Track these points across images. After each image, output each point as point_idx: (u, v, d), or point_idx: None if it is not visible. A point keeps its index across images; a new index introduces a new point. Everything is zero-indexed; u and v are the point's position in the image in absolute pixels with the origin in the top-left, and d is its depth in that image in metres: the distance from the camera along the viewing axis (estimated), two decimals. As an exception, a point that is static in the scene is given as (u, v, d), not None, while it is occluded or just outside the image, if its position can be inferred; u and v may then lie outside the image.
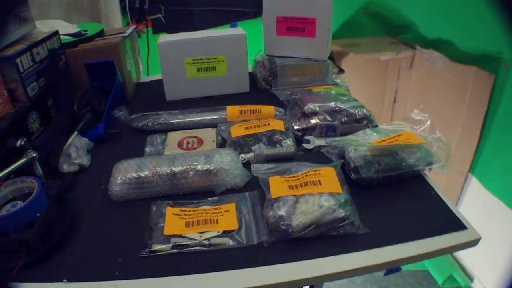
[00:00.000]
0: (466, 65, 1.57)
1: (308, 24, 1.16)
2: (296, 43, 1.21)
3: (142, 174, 0.80)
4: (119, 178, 0.80)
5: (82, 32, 1.20)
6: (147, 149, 0.94)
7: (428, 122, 0.91)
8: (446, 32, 1.69)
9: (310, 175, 0.78)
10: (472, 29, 1.60)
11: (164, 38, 1.15)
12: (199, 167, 0.81)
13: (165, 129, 1.03)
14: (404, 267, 1.99)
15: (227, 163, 0.81)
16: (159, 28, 1.83)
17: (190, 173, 0.80)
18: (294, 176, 0.78)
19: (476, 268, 1.85)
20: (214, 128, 1.00)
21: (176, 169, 0.80)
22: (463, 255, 1.91)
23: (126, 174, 0.80)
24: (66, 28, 1.21)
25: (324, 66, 1.20)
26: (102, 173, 0.87)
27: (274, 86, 1.20)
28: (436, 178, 0.95)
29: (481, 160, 1.65)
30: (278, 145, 0.91)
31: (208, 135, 0.98)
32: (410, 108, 1.90)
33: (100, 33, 1.23)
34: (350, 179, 0.81)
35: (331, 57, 1.88)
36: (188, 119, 1.03)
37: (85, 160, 0.92)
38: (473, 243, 0.72)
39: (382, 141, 0.87)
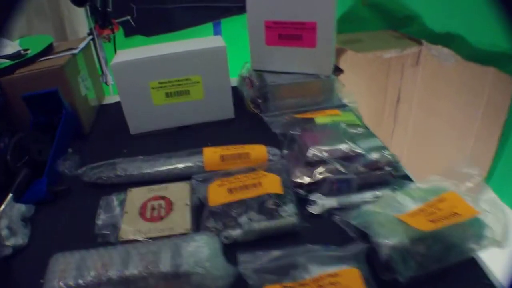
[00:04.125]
0: (482, 65, 1.27)
1: (306, 30, 0.85)
2: (291, 55, 0.90)
3: (82, 282, 0.51)
4: (55, 283, 0.51)
5: (22, 52, 0.87)
6: (99, 222, 0.64)
7: (479, 178, 0.62)
8: (457, 26, 1.38)
9: (324, 284, 0.49)
10: (487, 23, 1.28)
11: (120, 56, 0.83)
12: (162, 268, 0.51)
13: (125, 183, 0.73)
14: None
15: (202, 262, 0.52)
16: (131, 30, 1.51)
17: (151, 280, 0.51)
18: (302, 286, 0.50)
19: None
20: (188, 183, 0.70)
21: (130, 271, 0.51)
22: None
23: (62, 279, 0.52)
24: (1, 48, 0.88)
25: (328, 84, 0.89)
26: (43, 255, 0.58)
27: (264, 110, 0.90)
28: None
29: (498, 172, 1.37)
30: (275, 214, 0.62)
31: (180, 195, 0.68)
32: (416, 110, 1.60)
33: (47, 50, 0.91)
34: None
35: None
36: (154, 170, 0.73)
37: (20, 239, 0.64)
38: None
39: (420, 211, 0.59)
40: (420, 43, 1.48)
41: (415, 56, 1.51)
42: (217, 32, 1.77)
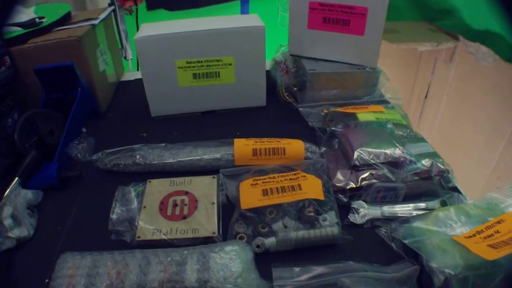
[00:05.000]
0: (522, 68, 1.15)
1: (355, 15, 0.74)
2: (334, 42, 0.79)
3: (92, 292, 0.43)
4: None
5: (37, 20, 0.77)
6: (113, 216, 0.56)
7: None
8: (497, 24, 1.25)
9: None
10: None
11: (146, 30, 0.73)
12: (187, 283, 0.43)
13: (145, 172, 0.65)
14: None
15: (233, 277, 0.44)
16: (154, 3, 1.39)
17: (172, 295, 0.43)
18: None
19: None
20: (214, 178, 0.62)
21: (149, 284, 0.43)
22: None
23: (70, 287, 0.44)
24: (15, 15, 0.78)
25: (373, 77, 0.79)
26: (50, 250, 0.53)
27: (300, 100, 0.80)
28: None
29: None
30: (314, 223, 0.53)
31: (206, 191, 0.59)
32: (444, 109, 1.49)
33: (64, 19, 0.81)
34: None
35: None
36: (177, 160, 0.64)
37: (25, 230, 0.56)
38: None
39: (476, 232, 0.50)
40: (456, 39, 1.36)
41: (450, 51, 1.39)
42: (244, 11, 1.66)
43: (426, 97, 1.53)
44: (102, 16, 0.83)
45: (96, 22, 0.79)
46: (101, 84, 0.83)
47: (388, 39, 1.33)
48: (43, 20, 0.78)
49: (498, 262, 0.46)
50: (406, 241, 0.50)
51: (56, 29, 0.78)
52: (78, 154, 0.63)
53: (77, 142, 0.65)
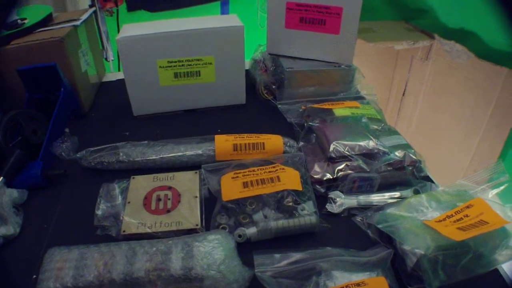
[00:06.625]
0: (495, 64, 1.21)
1: (331, 15, 0.77)
2: (311, 41, 0.83)
3: (81, 284, 0.45)
4: (50, 283, 0.45)
5: (19, 21, 0.78)
6: (98, 212, 0.57)
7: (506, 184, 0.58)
8: (471, 23, 1.31)
9: (351, 295, 0.44)
10: (503, 22, 1.22)
11: (127, 30, 0.75)
12: (172, 271, 0.45)
13: (128, 169, 0.67)
14: None
15: (216, 264, 0.46)
16: (134, 4, 1.41)
17: (159, 283, 0.45)
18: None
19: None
20: (197, 172, 0.64)
21: (136, 273, 0.45)
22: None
23: (59, 279, 0.45)
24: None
25: (348, 74, 0.82)
26: (36, 247, 0.55)
27: (279, 97, 0.83)
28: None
29: (503, 175, 1.33)
30: (293, 212, 0.56)
31: (188, 186, 0.62)
32: (421, 105, 1.54)
33: (46, 21, 0.82)
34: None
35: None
36: (160, 157, 0.66)
37: (11, 229, 0.57)
38: None
39: (446, 217, 0.54)
40: (432, 37, 1.42)
41: (426, 50, 1.44)
42: (224, 12, 1.68)
43: (403, 94, 1.58)
44: (84, 17, 0.84)
45: (78, 23, 0.81)
46: (83, 84, 0.84)
47: (365, 39, 1.38)
48: (25, 21, 0.79)
49: (466, 243, 0.50)
50: (380, 226, 0.53)
51: (38, 30, 0.79)
52: (62, 153, 0.65)
53: (61, 141, 0.66)
